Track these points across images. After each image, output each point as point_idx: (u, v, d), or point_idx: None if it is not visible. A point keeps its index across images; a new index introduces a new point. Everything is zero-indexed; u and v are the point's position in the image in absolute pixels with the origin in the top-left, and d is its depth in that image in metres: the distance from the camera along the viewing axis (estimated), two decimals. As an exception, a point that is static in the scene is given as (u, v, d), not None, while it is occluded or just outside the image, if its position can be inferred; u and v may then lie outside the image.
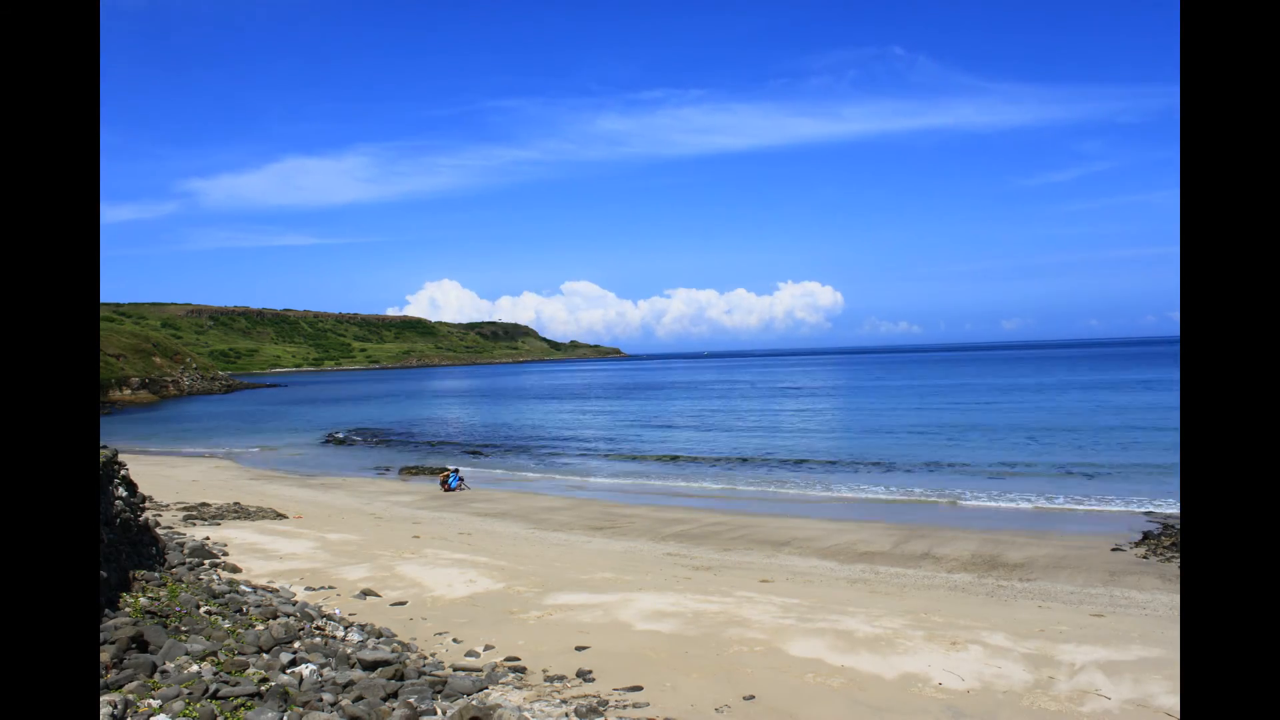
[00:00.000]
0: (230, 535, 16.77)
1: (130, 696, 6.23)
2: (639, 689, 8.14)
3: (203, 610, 9.20)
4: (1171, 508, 20.47)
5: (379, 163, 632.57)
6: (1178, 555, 15.67)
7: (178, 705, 6.18)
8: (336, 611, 10.82)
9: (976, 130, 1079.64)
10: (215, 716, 6.16)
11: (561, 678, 8.44)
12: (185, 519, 18.88)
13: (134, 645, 7.22)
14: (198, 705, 6.24)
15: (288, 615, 9.74)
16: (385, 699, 7.20)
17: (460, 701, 7.42)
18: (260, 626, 8.85)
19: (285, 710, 6.46)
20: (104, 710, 5.74)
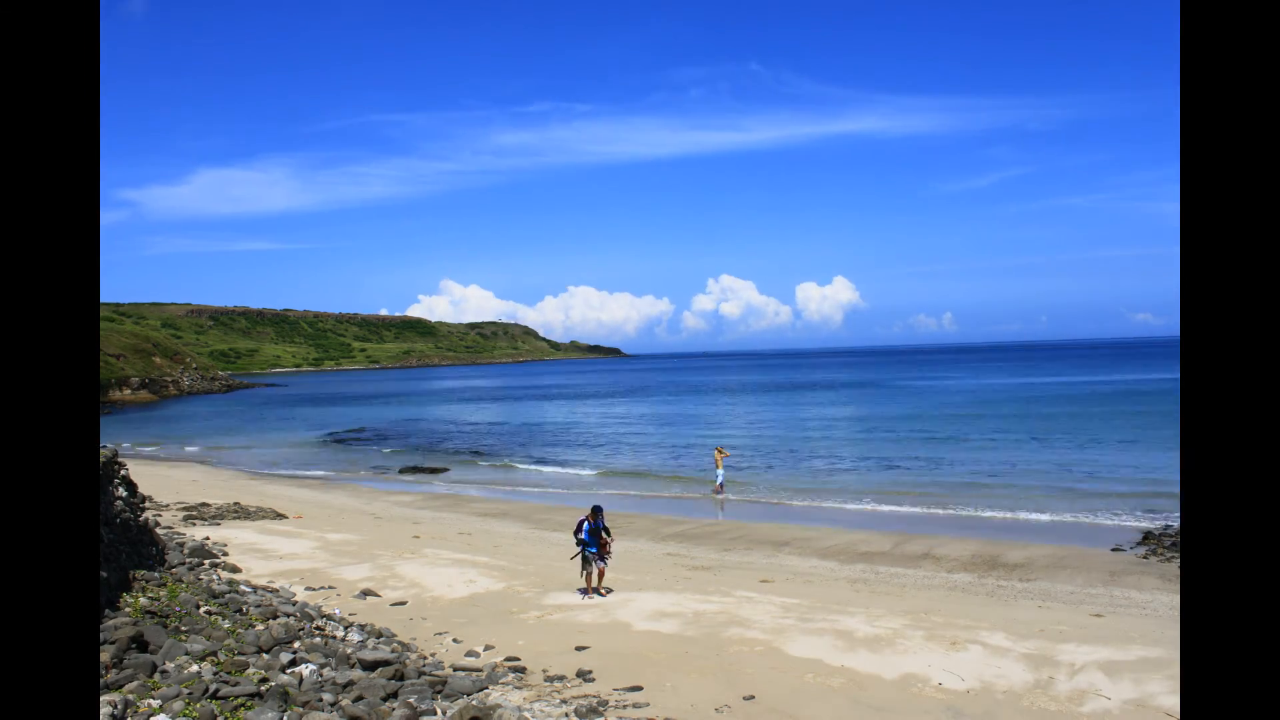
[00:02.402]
0: (230, 535, 16.76)
1: (130, 696, 6.23)
2: (639, 689, 8.14)
3: (203, 610, 9.20)
4: (1171, 508, 20.46)
5: (299, 173, 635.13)
6: (1178, 555, 15.68)
7: (178, 705, 6.18)
8: (336, 611, 10.81)
9: (881, 139, 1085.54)
10: (215, 716, 6.16)
11: (561, 678, 8.44)
12: (185, 519, 18.88)
13: (134, 645, 7.22)
14: (198, 705, 6.24)
15: (288, 615, 9.74)
16: (385, 699, 7.20)
17: (460, 701, 7.42)
18: (260, 626, 8.85)
19: (285, 710, 6.46)
20: (104, 710, 5.74)
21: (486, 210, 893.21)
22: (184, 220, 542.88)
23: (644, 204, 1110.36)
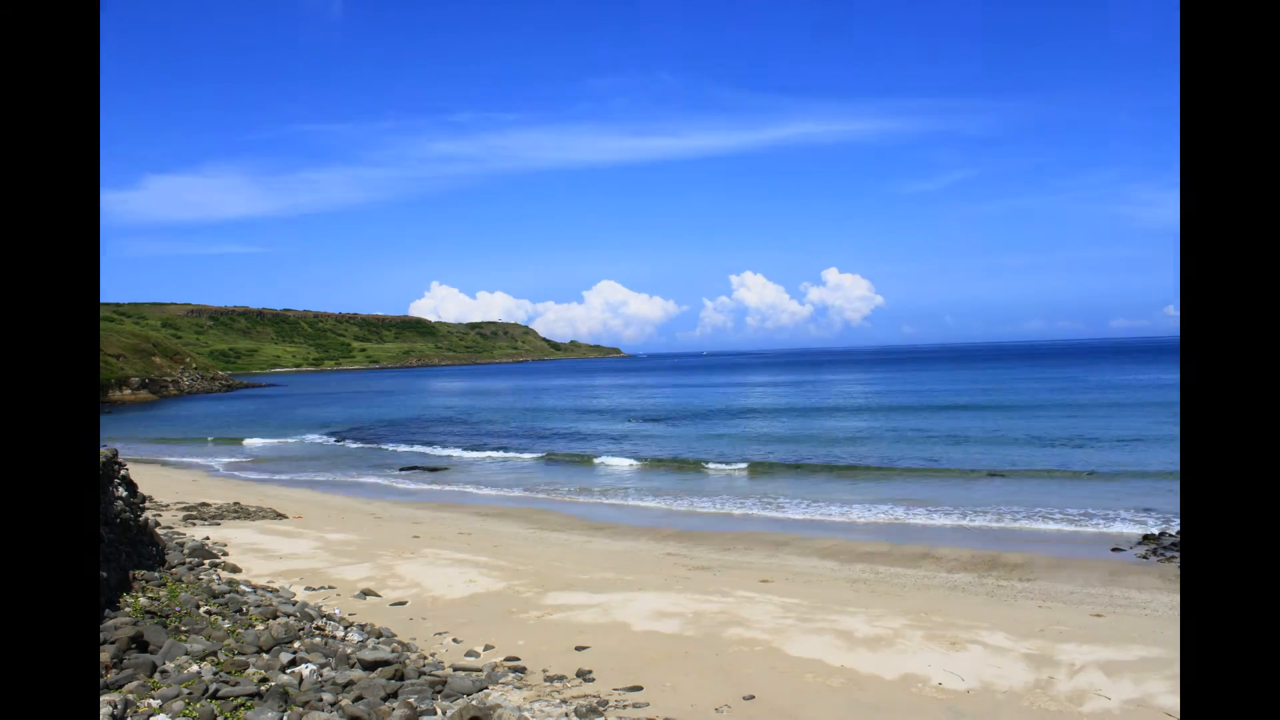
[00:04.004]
0: (230, 535, 16.77)
1: (130, 696, 6.23)
2: (639, 689, 8.14)
3: (203, 610, 9.20)
4: (1172, 507, 20.47)
5: (254, 180, 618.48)
6: (1178, 555, 15.68)
7: (178, 705, 6.19)
8: (336, 611, 10.82)
9: (819, 144, 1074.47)
10: (215, 716, 6.16)
11: (561, 678, 8.45)
12: (185, 519, 18.89)
13: (134, 645, 7.23)
14: (198, 705, 6.25)
15: (288, 615, 9.75)
16: (385, 699, 7.21)
17: (460, 701, 7.42)
18: (260, 626, 8.86)
19: (285, 710, 6.47)
20: (104, 710, 5.75)
21: (462, 213, 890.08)
22: (149, 224, 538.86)
23: (622, 206, 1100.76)
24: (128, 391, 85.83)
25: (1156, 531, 18.10)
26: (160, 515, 18.63)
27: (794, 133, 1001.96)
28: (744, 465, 31.95)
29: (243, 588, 11.15)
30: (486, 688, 7.98)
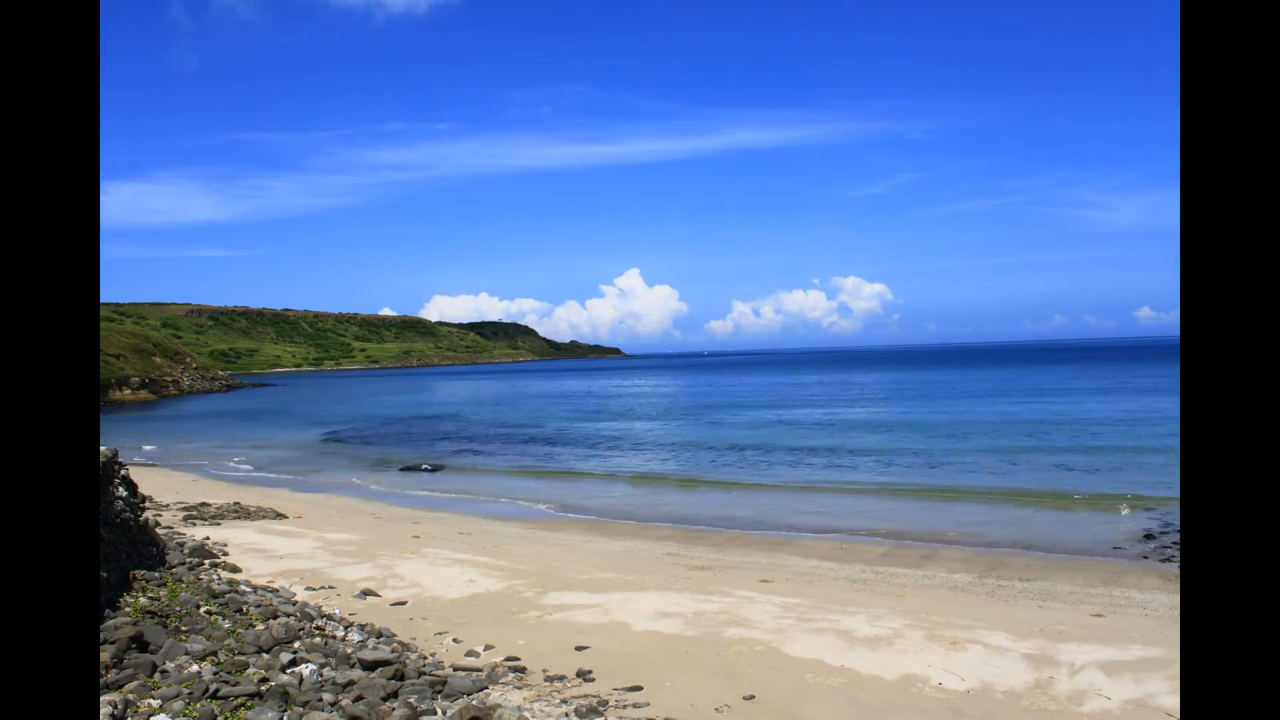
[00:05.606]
0: (230, 535, 16.77)
1: (130, 696, 6.23)
2: (639, 689, 8.14)
3: (203, 610, 9.20)
4: (1172, 507, 20.47)
5: (209, 186, 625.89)
6: (1178, 555, 15.68)
7: (178, 705, 6.19)
8: (336, 611, 10.82)
9: (760, 150, 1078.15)
10: (215, 716, 6.16)
11: (561, 678, 8.45)
12: (185, 519, 18.89)
13: (134, 645, 7.23)
14: (198, 705, 6.25)
15: (288, 615, 9.75)
16: (385, 699, 7.21)
17: (460, 701, 7.43)
18: (260, 626, 8.86)
19: (285, 710, 6.47)
20: (104, 710, 5.75)
21: (433, 217, 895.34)
22: (118, 229, 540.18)
23: (582, 209, 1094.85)
24: (128, 391, 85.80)
25: (1156, 531, 18.10)
26: (160, 515, 18.63)
27: (735, 139, 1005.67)
28: (741, 464, 31.94)
29: (243, 588, 11.15)
30: (486, 688, 7.98)
